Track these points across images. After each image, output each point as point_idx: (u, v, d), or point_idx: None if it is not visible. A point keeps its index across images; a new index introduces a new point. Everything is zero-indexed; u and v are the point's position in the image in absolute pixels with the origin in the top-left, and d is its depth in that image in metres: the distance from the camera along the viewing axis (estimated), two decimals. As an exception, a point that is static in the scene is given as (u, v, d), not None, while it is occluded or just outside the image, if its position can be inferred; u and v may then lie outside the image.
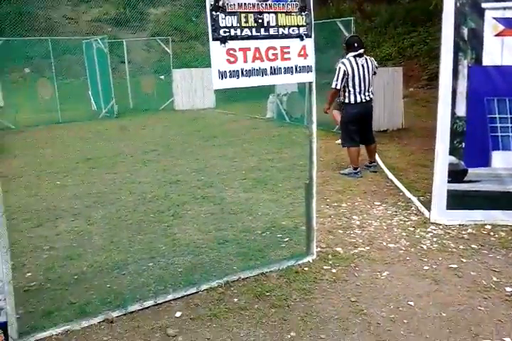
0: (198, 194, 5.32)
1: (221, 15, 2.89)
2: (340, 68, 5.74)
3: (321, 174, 5.58)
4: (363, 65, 5.79)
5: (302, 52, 3.20)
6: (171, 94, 13.96)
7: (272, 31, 3.10)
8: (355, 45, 5.80)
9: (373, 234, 4.00)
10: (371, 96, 5.91)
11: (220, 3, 2.87)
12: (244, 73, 3.03)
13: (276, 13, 3.08)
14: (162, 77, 17.53)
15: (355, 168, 5.95)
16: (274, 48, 3.13)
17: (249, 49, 3.04)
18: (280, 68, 3.17)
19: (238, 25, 2.96)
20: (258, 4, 3.00)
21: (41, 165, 7.06)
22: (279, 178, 5.83)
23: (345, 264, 3.41)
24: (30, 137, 9.67)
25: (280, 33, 3.13)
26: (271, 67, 3.13)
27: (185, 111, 13.11)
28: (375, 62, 6.04)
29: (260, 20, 3.05)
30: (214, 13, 2.86)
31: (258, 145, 7.98)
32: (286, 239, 3.90)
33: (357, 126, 5.92)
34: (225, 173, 6.20)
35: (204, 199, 5.11)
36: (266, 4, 3.03)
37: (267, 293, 3.00)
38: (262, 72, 3.11)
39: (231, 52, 2.96)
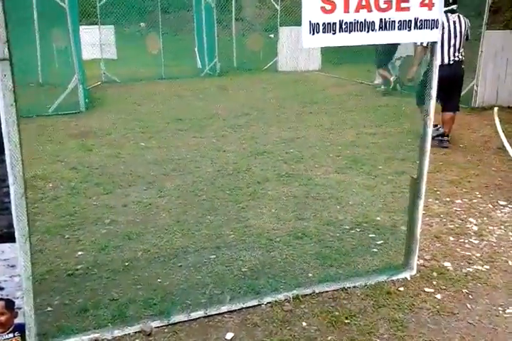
0: (283, 170, 4.69)
1: None
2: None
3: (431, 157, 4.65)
4: (454, 22, 5.26)
5: (426, 0, 2.35)
6: (275, 53, 13.21)
7: (386, -34, 2.28)
8: None
9: (496, 247, 3.11)
10: (461, 57, 5.32)
11: None
12: (344, 27, 2.27)
13: None
14: (272, 35, 16.74)
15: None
16: (389, -8, 2.31)
17: (353, -8, 2.25)
18: (394, 21, 2.35)
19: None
20: None
21: (132, 122, 6.84)
22: (380, 159, 4.99)
23: (455, 288, 2.62)
24: (131, 92, 9.59)
25: (400, -26, 2.29)
26: (381, 20, 2.32)
27: (288, 73, 12.34)
28: (469, 22, 5.41)
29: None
30: None
31: (360, 115, 7.09)
32: (380, 242, 3.17)
33: (442, 89, 4.62)
34: (318, 147, 5.48)
35: (289, 178, 4.47)
36: None
37: (347, 321, 2.33)
38: (368, 27, 2.31)
39: None
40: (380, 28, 2.33)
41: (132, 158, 5.20)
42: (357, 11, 2.27)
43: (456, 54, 5.27)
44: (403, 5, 2.33)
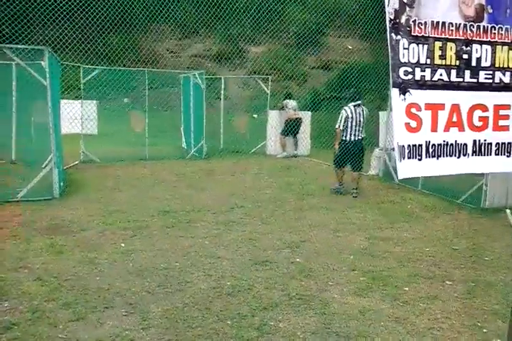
0: (292, 289, 3.94)
1: (402, 42, 1.61)
2: (342, 113, 7.54)
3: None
4: (359, 113, 7.54)
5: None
6: (264, 136, 12.92)
7: (483, 76, 1.77)
8: (355, 97, 7.62)
9: None
10: (362, 135, 7.63)
11: (403, 20, 1.58)
12: (431, 151, 1.70)
13: (493, 44, 1.75)
14: (255, 115, 16.69)
15: (340, 184, 7.81)
16: (484, 108, 1.80)
17: (442, 106, 1.73)
18: (490, 144, 1.79)
19: (429, 61, 1.65)
20: (466, 26, 1.68)
21: (112, 215, 6.07)
22: (402, 275, 4.30)
23: None
24: (111, 174, 8.89)
25: (497, 80, 1.78)
26: (474, 142, 1.77)
27: (277, 157, 11.95)
28: (367, 111, 7.83)
29: (466, 56, 1.73)
30: (394, 36, 1.58)
31: (364, 213, 6.51)
32: None
33: (351, 156, 7.61)
34: (327, 255, 4.78)
35: (300, 301, 3.71)
36: (479, 27, 1.70)
37: None
38: (460, 150, 1.75)
39: (412, 110, 1.66)
40: (474, 152, 1.76)
41: (110, 265, 4.38)
42: (446, 129, 1.71)
43: (359, 133, 7.56)
44: (502, 123, 1.79)
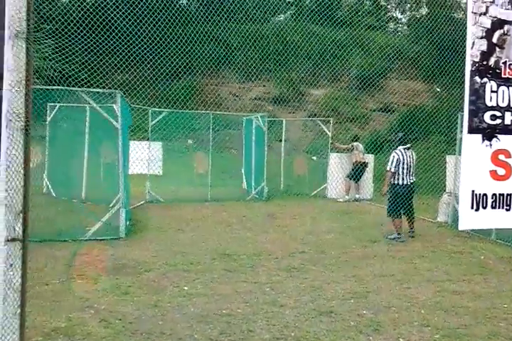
0: (361, 345, 3.72)
1: (490, 85, 1.53)
2: (394, 156, 7.47)
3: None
4: (409, 156, 7.51)
5: None
6: (325, 179, 12.81)
7: None
8: (405, 140, 7.61)
9: None
10: (414, 179, 7.63)
11: (492, 62, 1.51)
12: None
13: None
14: (314, 157, 16.66)
15: (398, 233, 7.48)
16: None
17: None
18: None
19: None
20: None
21: (175, 256, 6.12)
22: (480, 335, 3.97)
23: None
24: (174, 215, 9.06)
25: None
26: None
27: (338, 200, 11.75)
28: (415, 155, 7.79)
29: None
30: (478, 79, 1.51)
31: (434, 263, 6.17)
32: None
33: (404, 201, 7.50)
34: (396, 308, 4.51)
35: (371, 360, 3.49)
36: None
37: None
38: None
39: (500, 157, 1.56)
40: None
41: (173, 309, 4.35)
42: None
43: (412, 177, 7.53)
44: None
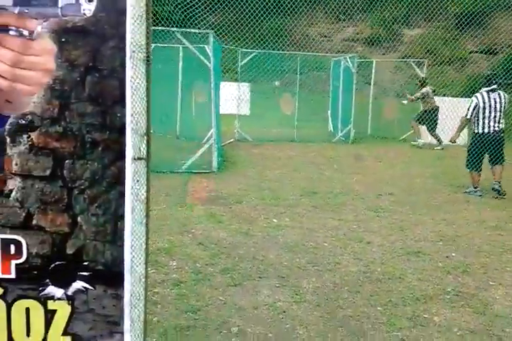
0: (447, 284, 3.76)
1: None
2: (472, 101, 6.63)
3: None
4: (494, 99, 6.56)
5: None
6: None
7: None
8: (490, 81, 6.68)
9: None
10: (502, 126, 6.59)
11: None
12: None
13: None
14: (404, 102, 16.02)
15: (475, 187, 6.69)
16: None
17: None
18: None
19: None
20: None
21: (263, 191, 6.37)
22: None
23: None
24: (263, 153, 9.31)
25: None
26: None
27: (428, 146, 11.35)
28: (508, 97, 6.81)
29: None
30: None
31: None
32: None
33: (490, 150, 6.63)
34: (487, 253, 4.45)
35: (457, 298, 3.53)
36: None
37: None
38: None
39: None
40: None
41: (263, 238, 4.62)
42: None
43: (497, 124, 6.53)
44: None
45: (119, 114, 1.74)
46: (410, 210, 5.80)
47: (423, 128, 11.39)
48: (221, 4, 14.81)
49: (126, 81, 1.73)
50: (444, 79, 19.70)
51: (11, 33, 1.44)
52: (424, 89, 11.19)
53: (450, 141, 7.07)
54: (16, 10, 1.49)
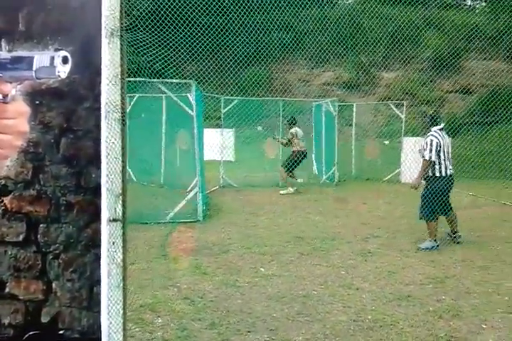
0: (439, 329, 3.67)
1: None
2: (432, 140, 5.89)
3: None
4: (445, 139, 6.02)
5: None
6: (398, 163, 12.51)
7: None
8: (436, 119, 6.08)
9: None
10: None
11: None
12: None
13: None
14: (386, 142, 16.33)
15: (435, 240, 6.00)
16: None
17: None
18: None
19: None
20: None
21: (250, 239, 6.30)
22: None
23: None
24: (247, 199, 9.28)
25: None
26: None
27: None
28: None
29: None
30: None
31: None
32: None
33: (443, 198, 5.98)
34: (477, 295, 4.39)
35: (451, 346, 3.44)
36: None
37: None
38: None
39: None
40: None
41: (251, 289, 4.51)
42: None
43: (451, 167, 6.06)
44: None
45: (93, 175, 1.73)
46: (397, 253, 5.76)
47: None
48: (203, 54, 15.27)
49: (102, 141, 1.73)
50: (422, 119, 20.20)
51: (-16, 96, 1.44)
52: (292, 130, 10.48)
53: (413, 188, 6.13)
54: (-10, 74, 1.50)
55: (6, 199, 1.66)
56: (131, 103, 11.07)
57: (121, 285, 1.65)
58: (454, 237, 6.22)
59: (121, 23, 1.75)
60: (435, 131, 5.97)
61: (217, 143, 12.02)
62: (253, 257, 5.50)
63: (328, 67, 24.10)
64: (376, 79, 23.18)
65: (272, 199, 9.29)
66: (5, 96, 1.61)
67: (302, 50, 20.84)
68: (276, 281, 4.73)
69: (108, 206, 1.71)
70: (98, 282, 1.62)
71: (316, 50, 21.64)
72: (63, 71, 1.71)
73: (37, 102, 1.71)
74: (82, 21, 1.74)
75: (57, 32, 1.75)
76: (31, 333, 1.57)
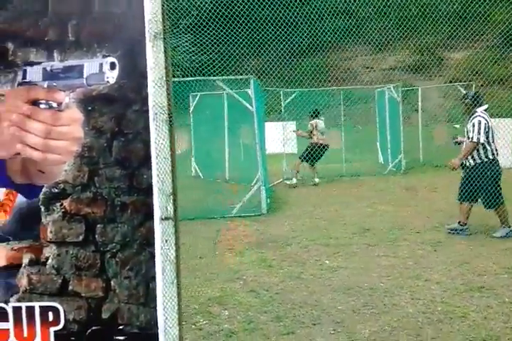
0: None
1: None
2: (481, 121, 5.46)
3: None
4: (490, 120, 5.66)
5: None
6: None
7: None
8: (480, 99, 5.67)
9: None
10: None
11: None
12: None
13: None
14: (457, 126, 15.57)
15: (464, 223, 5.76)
16: None
17: None
18: None
19: None
20: None
21: (314, 231, 6.27)
22: None
23: None
24: (311, 191, 9.23)
25: None
26: None
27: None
28: None
29: None
30: None
31: None
32: None
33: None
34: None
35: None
36: None
37: None
38: None
39: None
40: None
41: (316, 281, 4.50)
42: None
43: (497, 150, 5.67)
44: None
45: (145, 176, 1.79)
46: (470, 241, 5.51)
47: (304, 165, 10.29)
48: (261, 47, 15.27)
49: (151, 142, 1.79)
50: (494, 100, 19.07)
51: (41, 106, 1.52)
52: (312, 121, 10.16)
53: (452, 168, 5.92)
54: (45, 84, 1.58)
55: (66, 202, 1.76)
56: (195, 101, 11.30)
57: (175, 281, 1.70)
58: (503, 226, 5.73)
59: (164, 26, 1.79)
60: (482, 112, 5.60)
61: (280, 137, 12.02)
62: (318, 249, 5.48)
63: (391, 51, 23.32)
64: (443, 61, 22.18)
65: (336, 190, 9.18)
66: (59, 104, 1.69)
67: (363, 36, 20.27)
68: (341, 273, 4.68)
69: (160, 205, 1.76)
70: (153, 279, 1.68)
71: (377, 35, 20.99)
72: (111, 76, 1.77)
73: (89, 108, 1.79)
74: (125, 27, 1.80)
75: (103, 39, 1.82)
76: (93, 328, 1.65)
